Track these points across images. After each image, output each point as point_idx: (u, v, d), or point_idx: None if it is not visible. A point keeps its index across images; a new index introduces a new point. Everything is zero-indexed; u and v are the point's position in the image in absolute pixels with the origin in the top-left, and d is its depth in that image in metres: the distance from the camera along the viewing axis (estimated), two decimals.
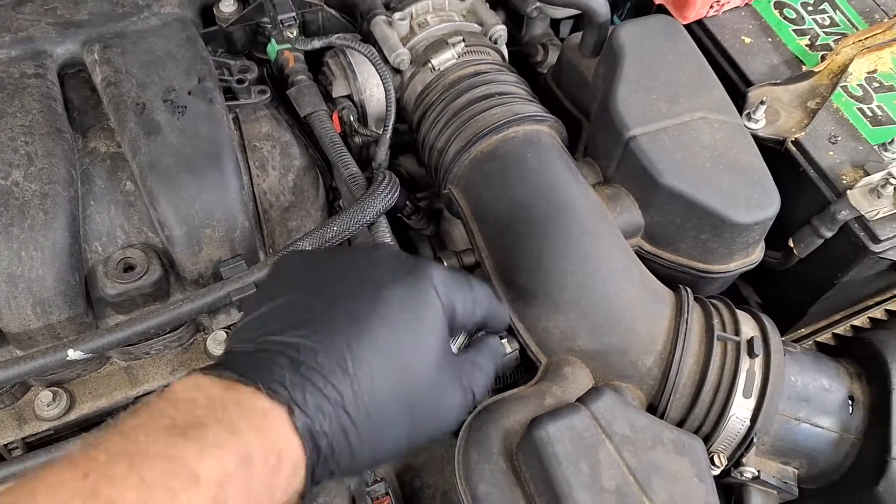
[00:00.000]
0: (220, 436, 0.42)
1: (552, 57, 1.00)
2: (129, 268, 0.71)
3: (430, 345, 0.52)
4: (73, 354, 0.65)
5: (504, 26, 0.89)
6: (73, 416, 0.72)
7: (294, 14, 0.81)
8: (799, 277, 0.85)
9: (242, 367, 0.46)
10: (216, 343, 0.75)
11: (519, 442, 0.62)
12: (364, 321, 0.50)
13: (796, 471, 0.71)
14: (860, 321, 0.91)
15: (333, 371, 0.47)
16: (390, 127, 0.81)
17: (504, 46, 0.90)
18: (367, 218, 0.73)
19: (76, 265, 0.69)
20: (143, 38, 0.80)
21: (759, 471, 0.69)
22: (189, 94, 0.75)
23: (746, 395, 0.67)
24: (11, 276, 0.67)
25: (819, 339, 0.90)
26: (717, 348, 0.68)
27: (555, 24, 1.07)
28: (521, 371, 0.75)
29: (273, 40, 0.84)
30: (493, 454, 0.63)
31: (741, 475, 0.69)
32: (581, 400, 0.62)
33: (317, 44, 0.83)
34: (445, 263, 0.83)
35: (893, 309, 0.92)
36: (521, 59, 1.03)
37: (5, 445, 0.71)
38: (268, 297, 0.53)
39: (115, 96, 0.75)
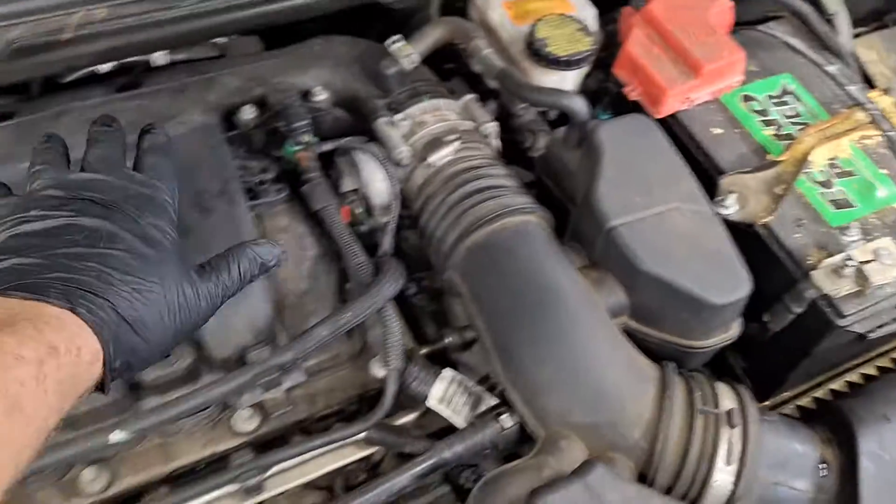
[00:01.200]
0: (29, 332, 0.51)
1: (541, 141, 1.08)
2: None
3: (165, 269, 0.62)
4: (115, 437, 0.72)
5: (495, 123, 0.98)
6: (112, 491, 0.78)
7: (307, 122, 0.90)
8: (777, 347, 0.91)
9: (26, 290, 0.55)
10: (242, 420, 0.82)
11: None
12: (108, 253, 0.60)
13: None
14: (838, 385, 0.98)
15: (100, 284, 0.58)
16: (395, 218, 0.89)
17: (495, 140, 0.99)
18: (376, 306, 0.81)
19: None
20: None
21: None
22: (216, 196, 0.84)
23: (728, 462, 0.74)
24: None
25: (800, 403, 0.97)
26: (698, 421, 0.75)
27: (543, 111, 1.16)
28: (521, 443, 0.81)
29: (287, 144, 0.93)
30: None
31: None
32: (576, 473, 0.69)
33: (327, 146, 0.92)
34: (448, 339, 0.90)
35: (868, 373, 0.99)
36: (512, 145, 1.11)
37: None
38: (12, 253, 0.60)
39: None
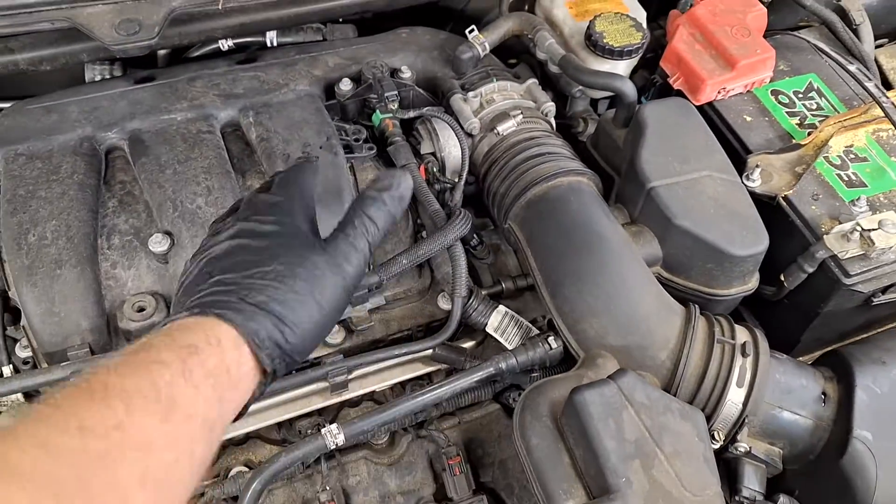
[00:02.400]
0: (163, 341, 0.56)
1: (591, 128, 1.24)
2: None
3: (318, 278, 0.65)
4: None
5: (553, 103, 1.14)
6: None
7: (396, 92, 1.07)
8: (791, 307, 1.05)
9: (204, 307, 0.60)
10: (331, 333, 0.98)
11: (563, 406, 0.83)
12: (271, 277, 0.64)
13: (780, 450, 0.90)
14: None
15: (261, 304, 0.62)
16: (464, 176, 1.05)
17: (552, 119, 1.15)
18: (448, 241, 0.96)
19: None
20: (284, 107, 1.07)
21: (750, 447, 0.88)
22: (320, 148, 1.01)
23: (739, 385, 0.88)
24: None
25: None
26: (716, 348, 0.89)
27: (593, 102, 1.32)
28: (564, 363, 0.96)
29: (378, 111, 1.10)
30: (542, 416, 0.84)
31: (736, 450, 0.88)
32: (610, 377, 0.83)
33: (411, 114, 1.09)
34: (503, 286, 1.06)
35: None
36: (565, 129, 1.27)
37: None
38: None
39: (267, 148, 1.01)
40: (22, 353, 0.93)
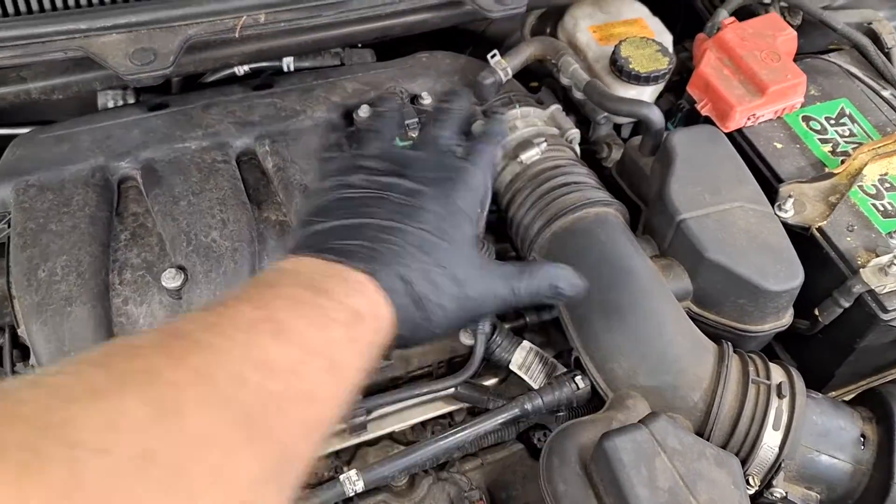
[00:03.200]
0: (340, 297, 0.55)
1: (615, 154, 1.21)
2: None
3: (463, 257, 0.65)
4: None
5: (577, 130, 1.11)
6: None
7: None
8: (825, 342, 1.01)
9: (334, 253, 0.59)
10: None
11: (592, 452, 0.79)
12: (411, 243, 0.63)
13: (818, 496, 0.86)
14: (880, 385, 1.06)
15: (396, 263, 0.61)
16: (486, 206, 1.02)
17: (577, 146, 1.12)
18: None
19: None
20: (301, 135, 1.04)
21: (786, 493, 0.85)
22: None
23: (776, 427, 0.84)
24: None
25: (846, 399, 1.06)
26: (751, 389, 0.85)
27: (617, 127, 1.29)
28: (591, 404, 0.92)
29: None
30: (571, 461, 0.80)
31: (772, 495, 0.84)
32: (641, 421, 0.80)
33: None
34: (527, 319, 1.02)
35: None
36: (589, 155, 1.24)
37: None
38: (320, 223, 0.65)
39: (284, 179, 0.99)
40: None
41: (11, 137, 1.12)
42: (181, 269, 0.89)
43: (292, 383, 0.48)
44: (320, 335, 0.52)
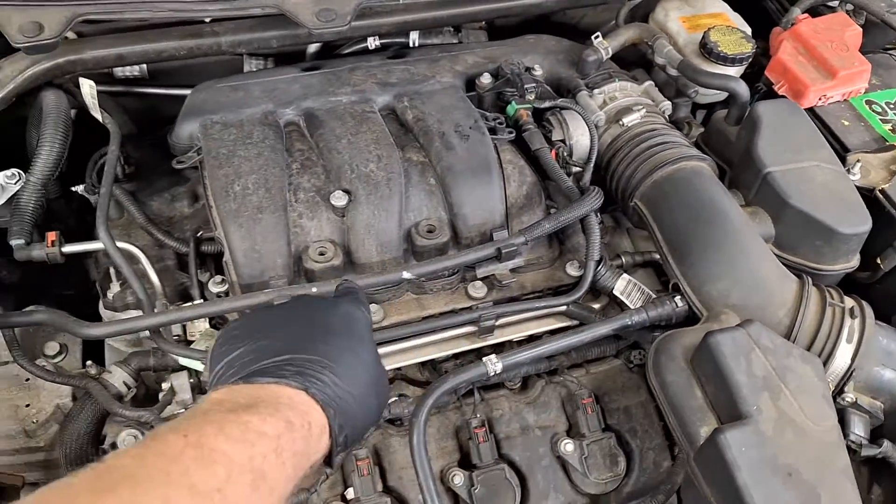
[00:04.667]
0: (268, 410, 0.61)
1: (694, 131, 1.38)
2: (430, 230, 1.09)
3: (368, 348, 0.77)
4: (405, 275, 1.03)
5: (669, 103, 1.28)
6: (385, 322, 1.08)
7: (534, 84, 1.23)
8: (883, 291, 1.17)
9: (265, 375, 0.66)
10: (474, 289, 1.11)
11: (696, 349, 0.95)
12: (327, 344, 0.73)
13: (882, 405, 1.01)
14: None
15: (323, 369, 0.69)
16: (593, 157, 1.19)
17: (667, 118, 1.29)
18: (584, 212, 1.10)
19: (402, 224, 1.08)
20: (433, 95, 1.22)
21: (856, 398, 0.99)
22: (469, 128, 1.16)
23: (849, 341, 0.99)
24: (368, 226, 1.06)
25: None
26: (828, 310, 1.01)
27: (693, 110, 1.46)
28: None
29: (513, 102, 1.25)
30: (676, 357, 0.96)
31: (843, 400, 0.99)
32: (738, 325, 0.95)
33: (546, 104, 1.24)
34: (623, 259, 1.19)
35: None
36: None
37: None
38: (248, 339, 0.72)
39: (424, 127, 1.16)
40: (215, 288, 1.08)
41: (169, 97, 1.33)
42: (346, 191, 1.07)
43: (216, 502, 0.53)
44: (246, 452, 0.56)
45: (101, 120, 1.18)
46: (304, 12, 1.06)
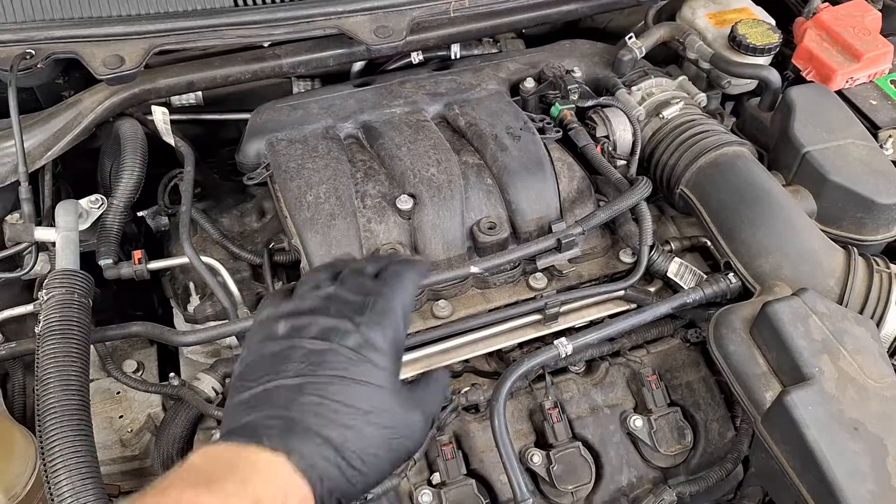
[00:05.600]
0: (235, 486, 0.53)
1: (727, 122, 1.44)
2: (491, 227, 1.16)
3: (383, 396, 0.63)
4: (473, 269, 1.09)
5: (704, 94, 1.35)
6: (454, 317, 1.15)
7: (577, 85, 1.30)
8: None
9: (246, 434, 0.58)
10: (535, 280, 1.18)
11: (755, 319, 1.01)
12: (329, 395, 0.61)
13: None
14: None
15: (315, 427, 0.59)
16: (638, 150, 1.26)
17: (702, 107, 1.36)
18: (636, 200, 1.16)
19: (464, 223, 1.15)
20: (481, 102, 1.29)
21: None
22: (520, 129, 1.24)
23: None
24: (434, 226, 1.13)
25: None
26: (876, 276, 1.06)
27: (722, 102, 1.53)
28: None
29: (556, 104, 1.32)
30: (736, 328, 1.02)
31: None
32: (794, 294, 1.02)
33: (590, 103, 1.31)
34: (672, 245, 1.25)
35: None
36: None
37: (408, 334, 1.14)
38: (244, 390, 0.63)
39: (477, 131, 1.23)
40: None
41: (223, 122, 1.42)
42: (411, 195, 1.14)
43: None
44: None
45: (173, 144, 1.26)
46: (362, 30, 1.14)
